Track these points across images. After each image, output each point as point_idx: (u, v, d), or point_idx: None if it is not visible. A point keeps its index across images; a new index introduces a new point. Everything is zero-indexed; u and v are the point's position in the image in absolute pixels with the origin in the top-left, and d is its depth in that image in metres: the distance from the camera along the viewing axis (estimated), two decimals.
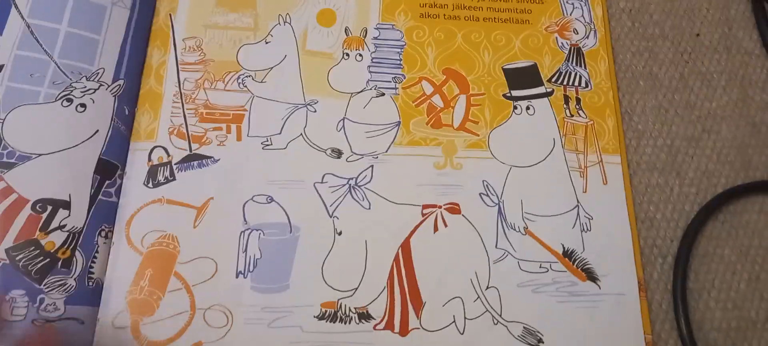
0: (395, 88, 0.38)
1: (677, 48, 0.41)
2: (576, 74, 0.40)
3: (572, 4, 0.42)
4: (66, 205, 0.32)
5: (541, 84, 0.39)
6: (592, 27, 0.41)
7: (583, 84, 0.39)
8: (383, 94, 0.38)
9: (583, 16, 0.42)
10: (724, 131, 0.39)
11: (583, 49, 0.41)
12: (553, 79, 0.39)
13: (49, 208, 0.32)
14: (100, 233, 0.32)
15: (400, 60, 0.39)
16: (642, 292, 0.34)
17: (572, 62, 0.40)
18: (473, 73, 0.39)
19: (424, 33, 0.40)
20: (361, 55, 0.39)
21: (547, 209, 0.36)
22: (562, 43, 0.41)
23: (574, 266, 0.35)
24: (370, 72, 0.39)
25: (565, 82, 0.39)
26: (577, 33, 0.41)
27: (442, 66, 0.39)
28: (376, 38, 0.40)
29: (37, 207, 0.32)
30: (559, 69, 0.40)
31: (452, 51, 0.40)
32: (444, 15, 0.41)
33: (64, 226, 0.32)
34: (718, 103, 0.40)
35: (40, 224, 0.31)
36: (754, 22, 0.43)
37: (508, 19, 0.41)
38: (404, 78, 0.39)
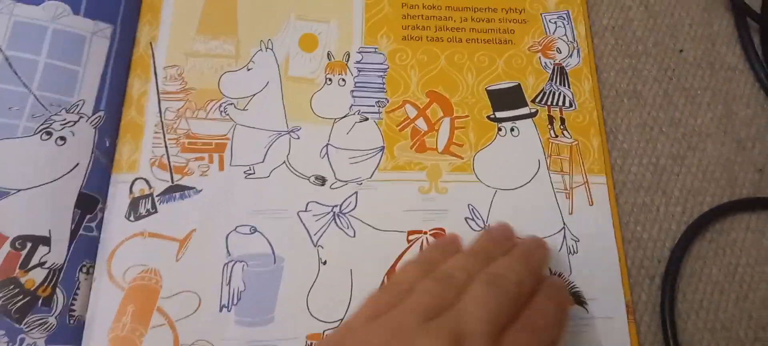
0: (378, 113, 0.39)
1: (661, 65, 0.42)
2: (560, 94, 0.40)
3: (555, 23, 0.42)
4: (46, 241, 0.32)
5: (525, 105, 0.40)
6: (576, 46, 0.42)
7: (567, 104, 0.40)
8: (367, 119, 0.38)
9: (566, 34, 0.42)
10: (709, 148, 0.40)
11: (566, 68, 0.41)
12: (537, 100, 0.40)
13: (29, 244, 0.32)
14: (81, 269, 0.32)
15: (383, 84, 0.39)
16: (630, 314, 0.35)
17: (556, 82, 0.40)
18: (457, 95, 0.40)
19: (406, 56, 0.40)
20: (343, 79, 0.39)
21: (534, 231, 0.36)
22: (545, 62, 0.41)
23: None
24: (353, 97, 0.39)
25: (549, 102, 0.40)
26: (560, 52, 0.41)
27: (425, 89, 0.40)
28: (358, 62, 0.40)
29: (17, 244, 0.32)
30: (543, 89, 0.40)
31: (435, 73, 0.40)
32: (427, 37, 0.41)
33: (45, 263, 0.32)
34: (703, 119, 0.41)
35: (20, 262, 0.31)
36: (737, 37, 0.43)
37: (491, 39, 0.41)
38: (387, 102, 0.39)
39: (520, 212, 0.37)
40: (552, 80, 0.40)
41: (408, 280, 0.28)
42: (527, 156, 0.38)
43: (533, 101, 0.40)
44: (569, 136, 0.39)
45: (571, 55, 0.41)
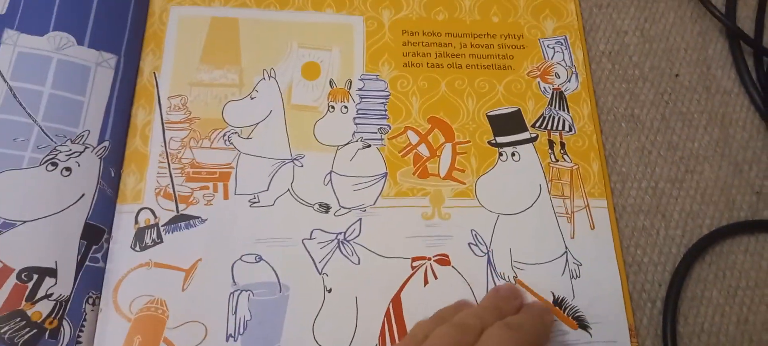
0: (381, 139, 0.40)
1: (657, 89, 0.43)
2: (560, 118, 0.41)
3: (553, 48, 0.44)
4: (52, 272, 0.33)
5: (525, 129, 0.41)
6: (574, 70, 0.43)
7: (567, 128, 0.41)
8: (369, 146, 0.39)
9: (564, 59, 0.43)
10: (707, 171, 0.41)
11: (565, 93, 0.42)
12: (537, 125, 0.41)
13: (36, 276, 0.32)
14: (87, 300, 0.33)
15: (385, 110, 0.40)
16: (633, 338, 0.36)
17: (555, 106, 0.42)
18: (458, 120, 0.41)
19: (408, 82, 0.42)
20: (346, 107, 0.40)
21: (536, 256, 0.37)
22: (544, 87, 0.42)
23: (565, 314, 0.36)
24: (355, 124, 0.40)
25: (549, 127, 0.41)
26: (559, 77, 0.43)
27: (426, 115, 0.41)
28: (360, 89, 0.41)
29: (23, 276, 0.32)
30: (543, 113, 0.41)
31: (436, 99, 0.41)
32: (427, 63, 0.42)
33: (51, 294, 0.32)
34: (700, 143, 0.42)
35: (27, 294, 0.32)
36: (731, 60, 0.45)
37: (490, 65, 0.43)
38: (390, 128, 0.40)
39: (522, 236, 0.38)
40: (551, 105, 0.42)
41: (423, 331, 0.29)
42: (528, 181, 0.39)
43: (533, 126, 0.41)
44: (569, 161, 0.40)
45: (569, 80, 0.43)
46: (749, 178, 0.41)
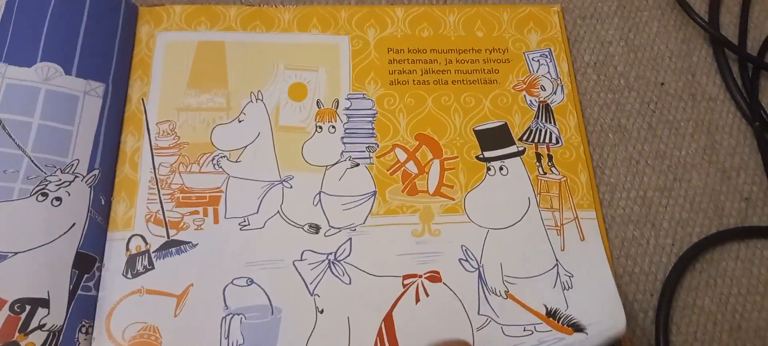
0: (369, 158, 0.41)
1: (643, 98, 0.44)
2: (546, 131, 0.42)
3: (538, 61, 0.45)
4: (45, 303, 0.33)
5: (512, 143, 0.42)
6: (559, 82, 0.44)
7: (554, 140, 0.42)
8: (358, 165, 0.40)
9: (549, 72, 0.44)
10: (695, 179, 0.42)
11: (551, 105, 0.43)
12: (524, 138, 0.42)
13: (28, 307, 0.33)
14: (80, 329, 0.34)
15: (373, 129, 0.42)
16: None
17: (542, 119, 0.43)
18: (445, 136, 0.42)
19: (394, 100, 0.43)
20: (334, 126, 0.41)
21: (527, 270, 0.38)
22: (530, 100, 0.43)
23: (559, 324, 0.37)
24: (343, 143, 0.41)
25: (536, 140, 0.42)
26: (545, 89, 0.44)
27: (414, 132, 0.42)
28: (347, 109, 0.42)
29: (16, 308, 0.33)
30: (530, 127, 0.42)
31: (423, 116, 0.42)
32: (413, 80, 0.44)
33: (44, 325, 0.33)
34: (687, 150, 0.43)
35: (19, 325, 0.33)
36: (716, 67, 0.46)
37: (476, 79, 0.44)
38: (378, 146, 0.41)
39: (512, 250, 0.39)
40: (538, 118, 0.43)
41: None
42: (517, 194, 0.40)
43: (520, 139, 0.42)
44: (557, 173, 0.41)
45: (555, 92, 0.44)
46: (737, 184, 0.42)
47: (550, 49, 0.45)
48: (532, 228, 0.39)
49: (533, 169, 0.41)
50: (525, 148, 0.42)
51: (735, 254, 0.40)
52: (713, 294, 0.39)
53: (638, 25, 0.47)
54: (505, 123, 0.42)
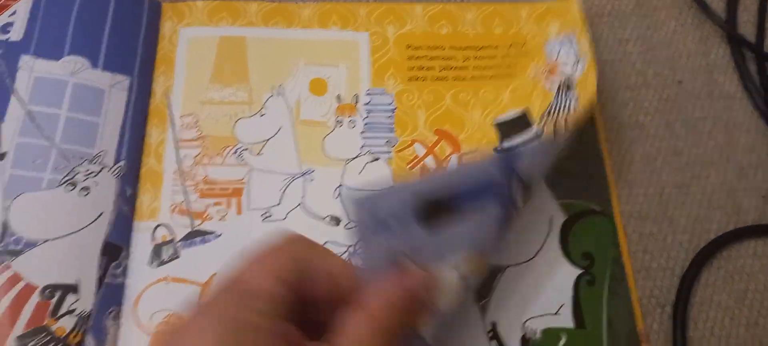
0: (389, 152, 0.42)
1: (661, 96, 0.46)
2: (567, 102, 0.42)
3: (559, 46, 0.45)
4: (74, 289, 0.35)
5: (530, 127, 0.43)
6: (580, 59, 0.42)
7: (572, 109, 0.42)
8: (377, 159, 0.42)
9: (570, 53, 0.43)
10: (713, 176, 0.43)
11: (572, 79, 0.43)
12: (544, 116, 0.42)
13: (58, 293, 0.35)
14: (109, 315, 0.35)
15: (392, 124, 0.43)
16: (644, 343, 0.38)
17: (562, 96, 0.43)
18: (464, 132, 0.43)
19: (413, 96, 0.44)
20: (353, 121, 0.43)
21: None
22: (550, 84, 0.44)
23: None
24: (363, 138, 0.42)
25: (556, 113, 0.42)
26: (566, 66, 0.44)
27: (433, 127, 0.43)
28: (367, 104, 0.43)
29: (46, 293, 0.35)
30: (550, 105, 0.43)
31: (442, 112, 0.44)
32: (432, 77, 0.45)
33: (74, 310, 0.35)
34: (705, 148, 0.44)
35: (50, 310, 0.34)
36: (733, 65, 0.47)
37: (494, 75, 0.45)
38: (397, 141, 0.42)
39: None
40: (558, 95, 0.43)
41: None
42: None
43: (540, 122, 0.43)
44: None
45: (575, 67, 0.42)
46: (755, 182, 0.43)
47: (570, 33, 0.44)
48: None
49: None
50: (542, 130, 0.42)
51: (752, 251, 0.41)
52: (731, 290, 0.40)
53: (656, 24, 0.48)
54: (524, 112, 0.43)
